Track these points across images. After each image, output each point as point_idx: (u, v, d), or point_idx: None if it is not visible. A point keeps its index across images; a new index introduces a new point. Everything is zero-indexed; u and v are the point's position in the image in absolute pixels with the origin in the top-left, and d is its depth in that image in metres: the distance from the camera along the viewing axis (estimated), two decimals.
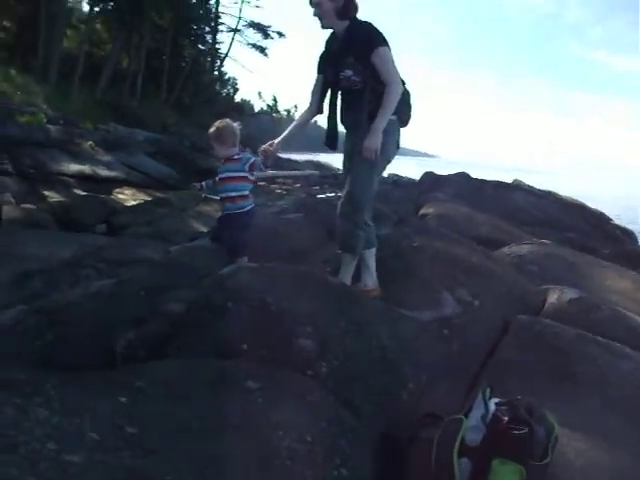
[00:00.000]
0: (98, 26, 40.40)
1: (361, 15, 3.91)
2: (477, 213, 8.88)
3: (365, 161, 3.78)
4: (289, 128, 4.26)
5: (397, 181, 23.57)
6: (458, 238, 5.42)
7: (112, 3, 36.04)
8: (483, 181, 13.17)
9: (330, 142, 4.11)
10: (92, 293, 3.84)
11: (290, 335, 2.72)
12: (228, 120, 4.22)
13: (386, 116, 3.73)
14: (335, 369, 2.67)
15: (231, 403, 2.23)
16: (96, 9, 36.43)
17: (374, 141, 3.71)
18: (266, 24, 45.94)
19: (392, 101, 3.73)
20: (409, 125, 4.07)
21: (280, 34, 47.11)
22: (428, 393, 2.94)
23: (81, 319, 3.44)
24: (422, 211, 8.90)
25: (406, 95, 3.93)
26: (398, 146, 4.07)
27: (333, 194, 17.83)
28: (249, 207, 4.22)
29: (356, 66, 3.81)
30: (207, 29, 47.59)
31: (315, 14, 3.95)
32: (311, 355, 2.68)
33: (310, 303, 2.91)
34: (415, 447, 2.45)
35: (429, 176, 14.64)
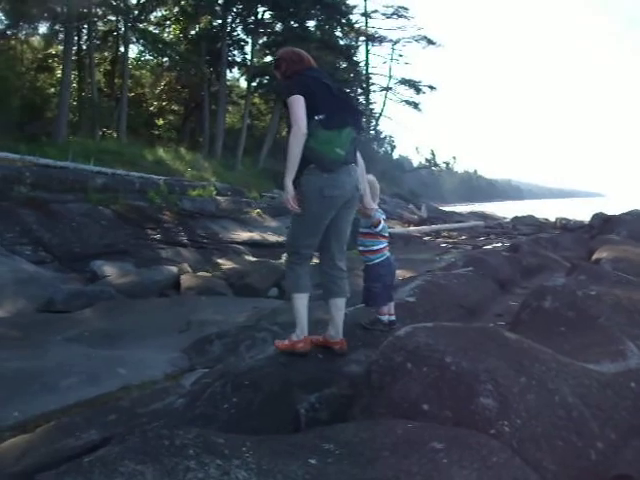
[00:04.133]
0: (256, 100, 42.79)
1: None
2: None
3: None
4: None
5: (566, 225, 22.77)
6: (638, 282, 5.16)
7: (267, 77, 38.01)
8: None
9: None
10: (271, 356, 4.02)
11: (470, 394, 2.70)
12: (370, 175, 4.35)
13: (288, 168, 3.71)
14: (518, 428, 2.61)
15: (417, 464, 2.24)
16: (253, 84, 38.56)
17: (284, 194, 3.80)
18: (417, 79, 46.61)
19: (289, 152, 3.67)
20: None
21: (431, 87, 47.69)
22: (618, 452, 2.80)
23: (263, 383, 3.61)
24: (595, 255, 8.47)
25: (316, 142, 3.69)
26: (325, 195, 3.76)
27: (500, 244, 17.39)
28: (377, 260, 4.33)
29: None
30: (360, 90, 48.96)
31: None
32: (492, 414, 2.65)
33: (488, 360, 2.88)
34: None
35: (599, 217, 14.05)
